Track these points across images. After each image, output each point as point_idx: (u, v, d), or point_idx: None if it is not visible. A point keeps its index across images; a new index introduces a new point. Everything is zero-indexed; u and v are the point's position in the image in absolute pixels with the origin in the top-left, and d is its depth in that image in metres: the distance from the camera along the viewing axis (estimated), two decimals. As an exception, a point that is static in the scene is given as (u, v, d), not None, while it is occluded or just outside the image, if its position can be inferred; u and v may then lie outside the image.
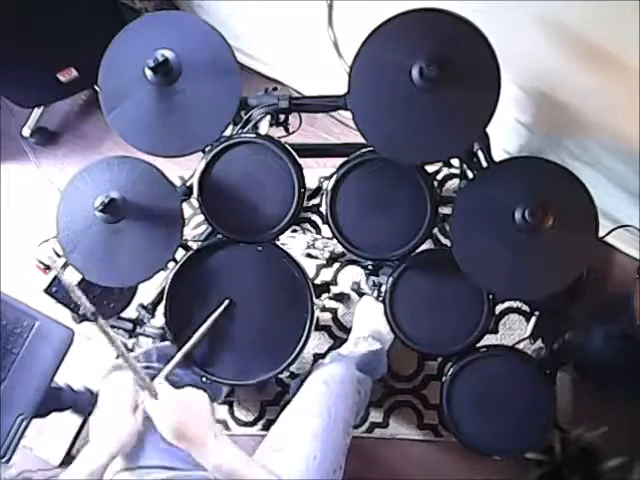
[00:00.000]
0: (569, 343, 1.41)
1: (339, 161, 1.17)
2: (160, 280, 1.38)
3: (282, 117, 1.22)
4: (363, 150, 1.14)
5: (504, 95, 0.96)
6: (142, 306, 1.34)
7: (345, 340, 1.56)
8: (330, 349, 1.61)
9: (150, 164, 1.07)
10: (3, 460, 1.23)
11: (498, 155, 1.24)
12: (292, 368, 1.21)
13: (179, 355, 1.09)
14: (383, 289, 1.22)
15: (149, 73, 1.02)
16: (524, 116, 1.37)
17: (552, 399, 1.19)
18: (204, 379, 1.16)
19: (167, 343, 1.25)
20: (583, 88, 1.13)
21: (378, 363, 1.43)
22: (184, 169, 1.51)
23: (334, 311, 1.64)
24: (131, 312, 1.33)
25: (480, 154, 1.14)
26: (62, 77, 1.64)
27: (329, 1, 1.35)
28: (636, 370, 1.29)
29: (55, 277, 1.17)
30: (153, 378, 1.08)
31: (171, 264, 1.18)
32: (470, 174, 1.18)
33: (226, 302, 1.16)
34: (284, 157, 1.09)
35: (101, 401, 1.05)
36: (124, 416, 0.95)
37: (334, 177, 1.14)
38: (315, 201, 1.74)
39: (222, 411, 1.62)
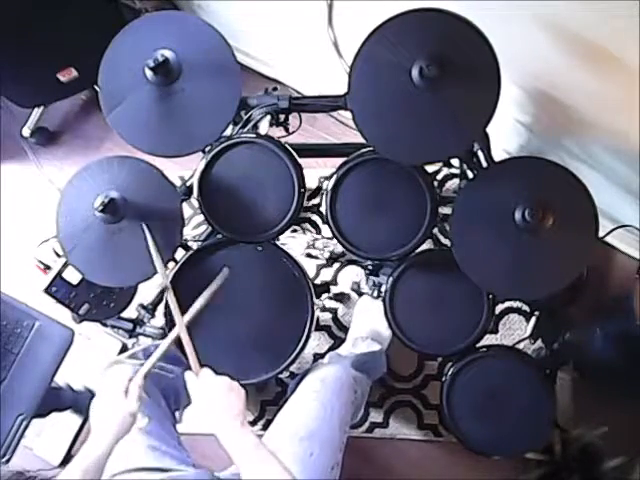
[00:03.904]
0: (569, 343, 1.41)
1: (339, 161, 1.17)
2: (160, 280, 1.38)
3: (282, 117, 1.22)
4: (363, 150, 1.14)
5: (504, 95, 0.96)
6: (142, 306, 1.34)
7: (345, 340, 1.56)
8: (330, 349, 1.61)
9: (150, 164, 1.07)
10: (3, 460, 1.23)
11: (498, 155, 1.24)
12: (292, 368, 1.21)
13: (178, 329, 1.05)
14: (383, 289, 1.22)
15: (149, 73, 1.02)
16: (524, 116, 1.37)
17: (552, 399, 1.19)
18: None
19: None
20: (583, 88, 1.13)
21: (376, 362, 1.42)
22: (184, 169, 1.52)
23: (334, 311, 1.64)
24: (131, 312, 1.32)
25: (480, 154, 1.14)
26: (62, 77, 1.64)
27: (329, 1, 1.35)
28: (636, 370, 1.30)
29: (55, 277, 1.16)
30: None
31: (171, 264, 1.18)
32: (470, 174, 1.18)
33: (225, 270, 1.14)
34: (284, 157, 1.09)
35: (98, 392, 1.06)
36: (117, 400, 0.97)
37: (334, 177, 1.14)
38: (315, 201, 1.74)
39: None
